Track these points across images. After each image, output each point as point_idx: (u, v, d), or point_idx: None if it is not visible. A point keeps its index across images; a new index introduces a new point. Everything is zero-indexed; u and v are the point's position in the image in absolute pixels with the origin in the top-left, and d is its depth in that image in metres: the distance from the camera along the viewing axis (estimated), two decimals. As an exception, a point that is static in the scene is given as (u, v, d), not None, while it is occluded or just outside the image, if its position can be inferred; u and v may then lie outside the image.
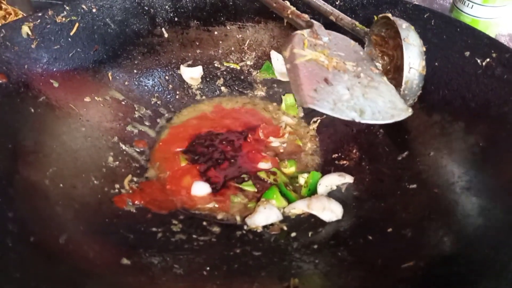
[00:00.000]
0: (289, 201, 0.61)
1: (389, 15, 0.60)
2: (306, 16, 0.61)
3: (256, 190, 0.63)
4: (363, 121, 0.49)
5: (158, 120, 0.72)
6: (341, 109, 0.49)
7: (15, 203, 0.48)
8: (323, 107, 0.48)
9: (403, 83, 0.57)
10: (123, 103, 0.70)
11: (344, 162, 0.66)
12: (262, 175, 0.65)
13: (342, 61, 0.55)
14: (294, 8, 0.63)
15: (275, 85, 0.78)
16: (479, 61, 0.59)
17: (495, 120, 0.55)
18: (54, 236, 0.48)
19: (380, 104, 0.52)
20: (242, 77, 0.80)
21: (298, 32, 0.56)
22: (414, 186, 0.57)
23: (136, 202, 0.59)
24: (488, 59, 0.58)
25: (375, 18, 0.62)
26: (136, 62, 0.73)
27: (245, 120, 0.74)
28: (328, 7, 0.66)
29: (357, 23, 0.64)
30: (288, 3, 0.65)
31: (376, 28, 0.62)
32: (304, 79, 0.50)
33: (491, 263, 0.41)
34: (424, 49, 0.58)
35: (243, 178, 0.65)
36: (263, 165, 0.66)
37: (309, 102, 0.48)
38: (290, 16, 0.63)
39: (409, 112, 0.53)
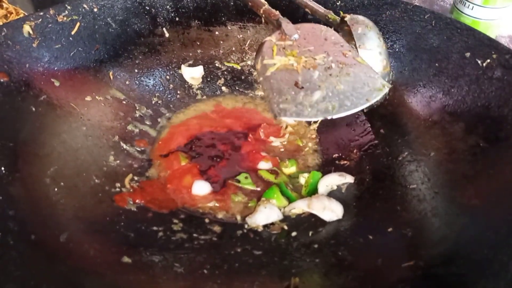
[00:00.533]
0: (290, 200, 0.61)
1: (348, 17, 0.60)
2: (276, 13, 0.61)
3: (255, 188, 0.63)
4: (337, 116, 0.50)
5: (159, 119, 0.72)
6: (314, 112, 0.50)
7: (16, 202, 0.48)
8: (295, 116, 0.50)
9: None
10: (124, 102, 0.70)
11: (345, 162, 0.66)
12: (263, 174, 0.65)
13: (311, 57, 0.55)
14: (267, 6, 0.63)
15: (276, 85, 0.78)
16: (479, 62, 0.59)
17: (495, 120, 0.55)
18: (55, 235, 0.48)
19: (354, 91, 0.52)
20: (243, 77, 0.80)
21: (267, 38, 0.57)
22: (414, 186, 0.57)
23: (137, 201, 0.59)
24: (488, 60, 0.59)
25: (341, 13, 0.63)
26: (137, 62, 0.73)
27: (246, 119, 0.74)
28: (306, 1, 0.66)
29: (331, 13, 0.63)
30: (262, 0, 0.64)
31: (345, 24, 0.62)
32: (273, 91, 0.51)
33: (490, 263, 0.42)
34: (384, 47, 0.58)
35: (243, 177, 0.65)
36: (264, 164, 0.66)
37: (278, 115, 0.50)
38: (263, 14, 0.62)
39: (385, 89, 0.52)
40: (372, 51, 0.57)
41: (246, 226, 0.58)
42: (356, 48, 0.57)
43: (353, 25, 0.59)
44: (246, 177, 0.64)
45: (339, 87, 0.52)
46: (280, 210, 0.60)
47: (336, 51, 0.56)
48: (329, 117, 0.49)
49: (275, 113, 0.50)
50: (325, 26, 0.59)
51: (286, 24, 0.58)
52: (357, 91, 0.51)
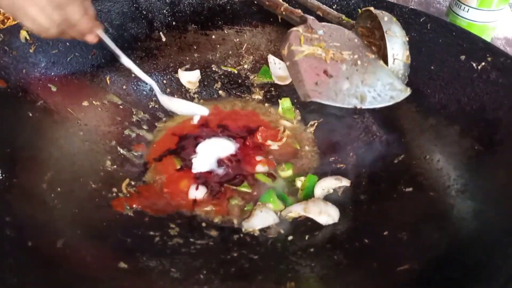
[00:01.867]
0: (286, 204, 0.61)
1: (371, 8, 0.60)
2: (299, 11, 0.62)
3: (251, 191, 0.63)
4: (364, 107, 0.52)
5: (156, 124, 0.73)
6: (343, 98, 0.52)
7: (12, 208, 0.48)
8: (326, 99, 0.51)
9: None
10: (121, 107, 0.71)
11: (341, 165, 0.67)
12: (259, 177, 0.65)
13: (338, 51, 0.56)
14: (287, 5, 0.64)
15: (273, 89, 0.79)
16: (474, 65, 0.60)
17: (490, 123, 0.55)
18: (52, 241, 0.48)
19: (379, 87, 0.55)
20: (239, 80, 0.80)
21: (294, 29, 0.58)
22: (410, 189, 0.57)
23: (133, 206, 0.59)
24: (483, 63, 0.59)
25: (359, 11, 0.63)
26: (134, 66, 0.74)
27: (244, 122, 0.74)
28: (315, 2, 0.67)
29: (343, 16, 0.64)
30: (280, 0, 0.65)
31: (362, 21, 0.62)
32: (305, 74, 0.52)
33: (484, 267, 0.42)
34: (407, 39, 0.58)
35: (239, 180, 0.65)
36: (260, 168, 0.66)
37: (312, 96, 0.50)
38: (284, 12, 0.64)
39: (407, 91, 0.55)
40: (398, 39, 0.58)
41: (242, 230, 0.58)
42: (384, 33, 0.58)
43: (380, 14, 0.60)
44: (243, 182, 0.65)
45: (366, 82, 0.54)
46: (277, 214, 0.60)
47: (361, 51, 0.58)
48: (358, 107, 0.52)
49: (308, 94, 0.51)
50: (347, 30, 0.61)
51: (312, 19, 0.59)
52: (383, 88, 0.54)
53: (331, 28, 0.60)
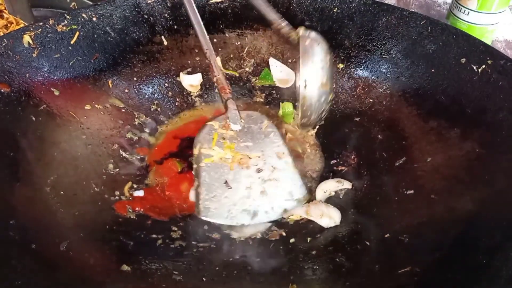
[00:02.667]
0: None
1: (302, 29, 0.62)
2: (228, 91, 0.63)
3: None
4: (253, 223, 0.57)
5: (158, 127, 0.73)
6: (235, 215, 0.57)
7: (16, 211, 0.49)
8: (216, 218, 0.56)
9: (300, 99, 0.61)
10: (123, 110, 0.71)
11: (343, 168, 0.67)
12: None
13: (247, 154, 0.59)
14: (221, 76, 0.64)
15: (274, 92, 0.79)
16: (475, 67, 0.60)
17: (491, 126, 0.56)
18: (55, 244, 0.48)
19: (276, 199, 0.58)
20: (241, 83, 0.80)
21: (210, 123, 0.61)
22: (411, 192, 0.58)
23: (136, 209, 0.59)
24: (483, 66, 0.59)
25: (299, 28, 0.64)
26: (136, 70, 0.74)
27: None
28: (272, 16, 0.67)
29: (292, 32, 0.65)
30: (217, 71, 0.65)
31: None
32: (203, 187, 0.57)
33: (485, 269, 0.42)
34: (329, 64, 0.61)
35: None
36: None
37: (202, 215, 0.56)
38: (215, 84, 0.64)
39: (303, 200, 0.59)
40: (314, 64, 0.60)
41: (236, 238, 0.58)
42: (299, 59, 0.60)
43: (303, 38, 0.61)
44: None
45: (264, 192, 0.58)
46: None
47: (272, 152, 0.61)
48: (247, 223, 0.57)
49: (199, 211, 0.56)
50: (267, 120, 0.63)
51: (232, 110, 0.60)
52: (280, 199, 0.59)
53: (250, 119, 0.62)
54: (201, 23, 0.66)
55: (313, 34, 0.62)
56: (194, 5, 0.67)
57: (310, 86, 0.59)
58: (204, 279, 0.50)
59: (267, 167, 0.59)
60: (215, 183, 0.57)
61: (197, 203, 0.57)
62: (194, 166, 0.59)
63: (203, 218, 0.56)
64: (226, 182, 0.57)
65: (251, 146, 0.60)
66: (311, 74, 0.59)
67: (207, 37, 0.66)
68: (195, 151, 0.59)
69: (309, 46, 0.60)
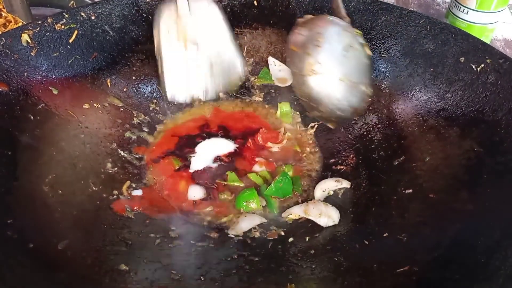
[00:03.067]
0: (269, 205, 0.62)
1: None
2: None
3: (241, 184, 0.64)
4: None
5: (156, 126, 0.73)
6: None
7: (14, 210, 0.49)
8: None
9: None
10: (122, 109, 0.71)
11: (341, 167, 0.67)
12: (251, 177, 0.65)
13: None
14: None
15: (273, 91, 0.79)
16: (473, 66, 0.60)
17: (490, 125, 0.56)
18: (53, 243, 0.48)
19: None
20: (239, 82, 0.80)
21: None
22: (410, 191, 0.58)
23: (134, 208, 0.59)
24: (482, 65, 0.59)
25: None
26: (134, 69, 0.74)
27: (244, 124, 0.74)
28: None
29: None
30: None
31: None
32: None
33: (484, 268, 0.42)
34: (318, 44, 0.57)
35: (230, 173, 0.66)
36: (257, 168, 0.66)
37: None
38: None
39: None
40: (298, 51, 0.57)
41: (231, 235, 0.58)
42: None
43: (297, 27, 0.60)
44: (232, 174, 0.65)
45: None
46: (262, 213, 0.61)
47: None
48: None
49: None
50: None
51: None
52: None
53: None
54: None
55: (329, 20, 0.60)
56: None
57: (324, 76, 0.55)
58: (203, 279, 0.50)
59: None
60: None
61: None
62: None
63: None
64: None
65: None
66: (328, 61, 0.55)
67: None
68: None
69: (335, 32, 0.57)
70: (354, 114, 0.56)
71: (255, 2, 0.75)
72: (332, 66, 0.54)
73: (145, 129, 0.71)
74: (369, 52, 0.59)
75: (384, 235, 0.53)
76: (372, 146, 0.66)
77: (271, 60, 0.79)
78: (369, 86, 0.57)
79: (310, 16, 0.64)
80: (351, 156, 0.67)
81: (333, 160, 0.68)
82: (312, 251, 0.54)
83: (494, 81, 0.57)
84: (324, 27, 0.58)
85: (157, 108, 0.74)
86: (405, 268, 0.47)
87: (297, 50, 0.55)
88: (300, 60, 0.54)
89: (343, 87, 0.55)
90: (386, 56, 0.70)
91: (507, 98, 0.55)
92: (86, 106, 0.67)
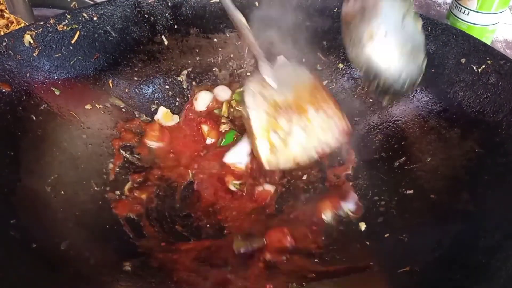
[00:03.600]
0: None
1: None
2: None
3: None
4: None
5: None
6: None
7: (17, 211, 0.49)
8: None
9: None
10: (124, 110, 0.71)
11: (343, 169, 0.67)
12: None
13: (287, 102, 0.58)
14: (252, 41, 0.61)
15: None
16: (474, 68, 0.60)
17: (491, 126, 0.56)
18: (56, 243, 0.49)
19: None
20: (241, 80, 0.80)
21: (248, 87, 0.59)
22: (411, 191, 0.58)
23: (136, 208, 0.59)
24: (483, 66, 0.59)
25: None
26: (136, 70, 0.74)
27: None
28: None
29: None
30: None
31: None
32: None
33: (484, 268, 0.42)
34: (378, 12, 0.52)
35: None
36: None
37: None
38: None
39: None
40: (357, 18, 0.53)
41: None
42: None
43: None
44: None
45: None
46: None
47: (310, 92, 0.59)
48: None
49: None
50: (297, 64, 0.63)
51: (266, 68, 0.59)
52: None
53: (284, 72, 0.61)
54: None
55: None
56: None
57: (377, 43, 0.50)
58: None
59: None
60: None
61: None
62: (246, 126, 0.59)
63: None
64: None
65: (289, 96, 0.58)
66: (388, 29, 0.50)
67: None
68: (244, 113, 0.59)
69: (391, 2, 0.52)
70: (410, 88, 0.54)
71: (257, 3, 0.75)
72: (392, 35, 0.51)
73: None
74: (420, 28, 0.55)
75: (385, 235, 0.54)
76: (373, 147, 0.67)
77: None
78: (424, 62, 0.55)
79: None
80: (352, 157, 0.68)
81: (336, 161, 0.68)
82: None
83: (495, 82, 0.58)
84: None
85: (159, 109, 0.74)
86: (406, 269, 0.47)
87: (355, 17, 0.52)
88: (359, 30, 0.51)
89: (403, 57, 0.52)
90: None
91: (508, 99, 0.55)
92: (88, 106, 0.67)
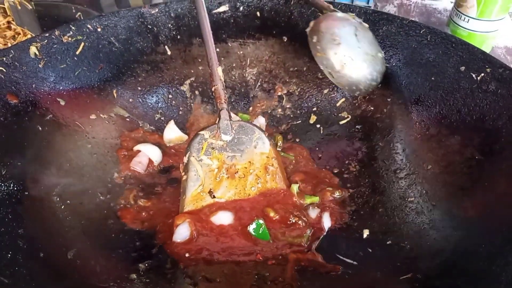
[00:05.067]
0: None
1: (309, 28, 0.66)
2: (223, 100, 0.62)
3: None
4: None
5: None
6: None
7: (24, 220, 0.50)
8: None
9: (339, 87, 0.66)
10: (128, 119, 0.72)
11: (345, 175, 0.68)
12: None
13: (234, 164, 0.61)
14: (220, 86, 0.63)
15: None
16: (474, 75, 0.61)
17: (490, 133, 0.56)
18: (63, 252, 0.49)
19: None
20: (243, 89, 0.81)
21: (200, 133, 0.61)
22: (412, 199, 0.58)
23: (143, 214, 0.60)
24: (482, 74, 0.60)
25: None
26: (140, 80, 0.75)
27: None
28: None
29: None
30: (216, 81, 0.63)
31: None
32: (188, 199, 0.59)
33: (485, 275, 0.43)
34: (341, 48, 0.62)
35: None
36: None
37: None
38: (213, 93, 0.63)
39: None
40: (326, 55, 0.63)
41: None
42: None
43: (310, 36, 0.65)
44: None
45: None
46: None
47: (260, 163, 0.62)
48: None
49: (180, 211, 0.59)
50: (259, 130, 0.63)
51: (224, 121, 0.61)
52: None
53: (242, 130, 0.62)
54: (210, 31, 0.68)
55: (321, 24, 0.65)
56: (205, 12, 0.69)
57: (336, 74, 0.63)
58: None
59: (253, 177, 0.61)
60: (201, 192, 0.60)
61: (182, 205, 0.60)
62: (182, 173, 0.61)
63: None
64: (210, 192, 0.60)
65: (239, 158, 0.61)
66: (328, 65, 0.62)
67: (213, 45, 0.66)
68: (184, 159, 0.61)
69: (316, 41, 0.63)
70: (382, 77, 0.66)
71: (258, 13, 0.76)
72: (355, 52, 0.63)
73: (150, 138, 0.72)
74: (366, 25, 0.67)
75: (388, 242, 0.54)
76: (375, 154, 0.67)
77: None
78: (381, 50, 0.67)
79: (312, 22, 0.66)
80: (354, 164, 0.68)
81: (337, 169, 0.69)
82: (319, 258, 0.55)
83: (494, 89, 0.58)
84: (333, 25, 0.65)
85: (162, 118, 0.75)
86: (408, 276, 0.47)
87: (323, 55, 0.62)
88: (329, 61, 0.62)
89: (369, 62, 0.64)
90: (387, 65, 0.70)
91: (507, 106, 0.56)
92: (92, 116, 0.68)
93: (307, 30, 0.66)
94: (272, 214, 0.60)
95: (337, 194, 0.64)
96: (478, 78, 0.60)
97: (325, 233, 0.59)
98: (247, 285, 0.51)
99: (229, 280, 0.52)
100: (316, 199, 0.63)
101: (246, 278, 0.52)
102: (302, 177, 0.67)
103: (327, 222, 0.61)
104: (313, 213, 0.62)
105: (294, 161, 0.71)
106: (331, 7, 0.68)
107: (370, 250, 0.54)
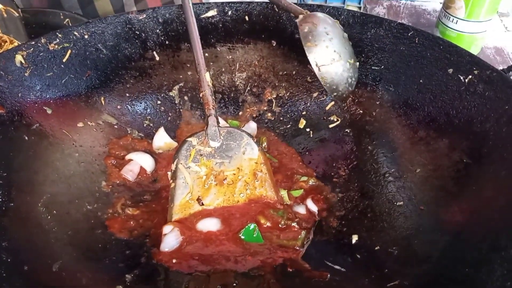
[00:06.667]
0: None
1: (299, 19, 0.65)
2: (211, 106, 0.62)
3: None
4: None
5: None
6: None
7: (9, 232, 0.49)
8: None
9: (321, 82, 0.64)
10: (116, 127, 0.72)
11: (334, 180, 0.67)
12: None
13: (222, 171, 0.61)
14: (208, 92, 0.63)
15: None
16: (462, 78, 0.61)
17: (478, 136, 0.56)
18: (48, 264, 0.49)
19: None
20: (232, 94, 0.81)
21: (188, 139, 0.60)
22: (401, 203, 0.58)
23: (130, 225, 0.60)
24: (470, 76, 0.60)
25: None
26: (128, 86, 0.75)
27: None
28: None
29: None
30: (204, 87, 0.63)
31: None
32: (176, 207, 0.59)
33: (471, 282, 0.43)
34: (334, 41, 0.63)
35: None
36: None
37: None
38: (201, 99, 0.63)
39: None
40: (318, 46, 0.62)
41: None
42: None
43: (301, 25, 0.64)
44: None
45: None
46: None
47: (249, 169, 0.62)
48: None
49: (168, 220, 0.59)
50: (248, 136, 0.62)
51: (212, 127, 0.60)
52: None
53: (230, 136, 0.62)
54: (198, 36, 0.68)
55: (312, 17, 0.65)
56: (193, 17, 0.69)
57: (324, 67, 0.62)
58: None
59: (241, 183, 0.61)
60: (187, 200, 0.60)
61: (170, 213, 0.59)
62: (170, 181, 0.60)
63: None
64: (198, 199, 0.60)
65: (227, 164, 0.61)
66: (319, 57, 0.62)
67: (201, 51, 0.66)
68: (172, 167, 0.60)
69: (308, 31, 0.63)
70: (354, 86, 0.67)
71: (247, 18, 0.76)
72: (343, 51, 0.64)
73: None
74: (345, 34, 0.67)
75: (376, 248, 0.54)
76: (364, 158, 0.67)
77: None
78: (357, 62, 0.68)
79: (301, 15, 0.66)
80: (344, 168, 0.68)
81: (328, 173, 0.69)
82: (306, 266, 0.55)
83: (481, 92, 0.58)
84: (325, 20, 0.65)
85: (151, 125, 0.75)
86: (395, 283, 0.47)
87: (315, 46, 0.62)
88: (319, 53, 0.62)
89: (350, 66, 0.65)
90: (376, 68, 0.70)
91: (494, 109, 0.56)
92: (80, 124, 0.68)
93: (297, 20, 0.66)
94: (263, 221, 0.60)
95: (311, 181, 0.66)
96: (466, 80, 0.60)
97: (318, 219, 0.61)
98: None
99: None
100: (300, 191, 0.64)
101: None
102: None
103: (313, 208, 0.62)
104: (301, 209, 0.62)
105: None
106: (297, 8, 0.69)
107: (359, 256, 0.54)
